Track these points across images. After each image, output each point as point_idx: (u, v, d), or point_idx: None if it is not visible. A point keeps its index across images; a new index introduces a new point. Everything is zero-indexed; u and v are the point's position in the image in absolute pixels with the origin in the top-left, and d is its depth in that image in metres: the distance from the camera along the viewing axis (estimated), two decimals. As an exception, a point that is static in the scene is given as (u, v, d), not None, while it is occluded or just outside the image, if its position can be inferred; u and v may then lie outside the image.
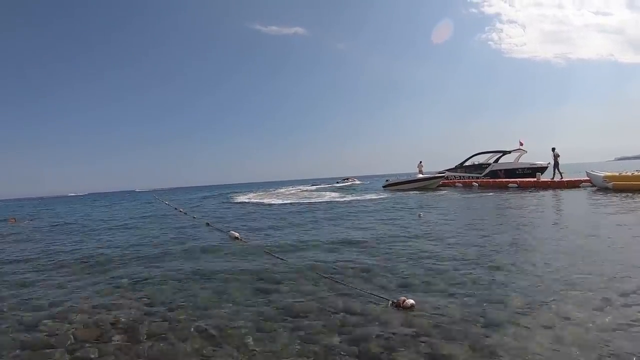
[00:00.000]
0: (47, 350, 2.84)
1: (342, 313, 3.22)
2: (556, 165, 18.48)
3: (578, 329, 2.62)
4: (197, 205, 21.69)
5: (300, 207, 15.98)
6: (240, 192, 37.18)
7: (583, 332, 2.57)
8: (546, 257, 4.62)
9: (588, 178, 15.75)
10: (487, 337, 2.59)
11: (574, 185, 16.49)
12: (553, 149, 18.76)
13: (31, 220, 16.64)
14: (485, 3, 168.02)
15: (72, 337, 3.05)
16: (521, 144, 22.86)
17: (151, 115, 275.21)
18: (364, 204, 15.20)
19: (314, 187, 39.40)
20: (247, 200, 23.09)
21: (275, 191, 35.09)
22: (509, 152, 23.33)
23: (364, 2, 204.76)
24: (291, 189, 38.84)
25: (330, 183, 50.78)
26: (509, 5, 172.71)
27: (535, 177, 19.43)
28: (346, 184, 45.33)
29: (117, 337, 2.99)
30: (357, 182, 49.90)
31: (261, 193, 33.30)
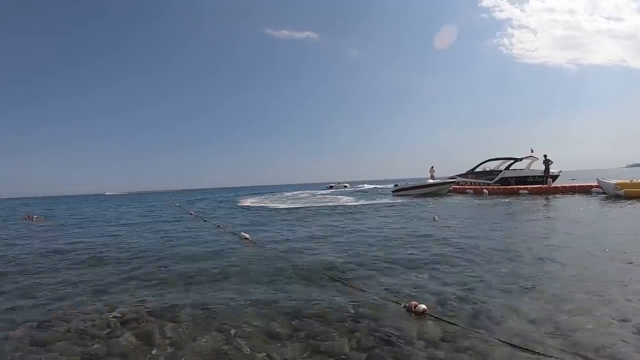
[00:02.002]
0: (56, 349, 2.88)
1: (352, 316, 3.22)
2: (547, 171, 18.75)
3: (590, 335, 2.58)
4: (202, 208, 21.93)
5: (309, 210, 16.07)
6: (244, 196, 37.49)
7: (591, 337, 2.55)
8: (564, 265, 4.58)
9: (599, 185, 15.71)
10: (497, 347, 2.55)
11: (585, 190, 16.75)
12: (545, 156, 18.95)
13: (45, 219, 17.04)
14: (497, 8, 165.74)
15: (81, 334, 3.09)
16: (532, 152, 22.65)
17: (152, 123, 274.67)
18: (375, 208, 15.25)
19: (328, 191, 39.95)
20: (255, 205, 23.32)
21: (282, 195, 35.43)
22: (520, 159, 22.97)
23: (376, 9, 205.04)
24: (289, 193, 39.26)
25: (322, 188, 52.22)
26: (520, 11, 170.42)
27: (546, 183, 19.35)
28: (340, 189, 46.38)
29: (128, 336, 3.02)
30: (349, 187, 51.72)
31: (269, 196, 33.58)
